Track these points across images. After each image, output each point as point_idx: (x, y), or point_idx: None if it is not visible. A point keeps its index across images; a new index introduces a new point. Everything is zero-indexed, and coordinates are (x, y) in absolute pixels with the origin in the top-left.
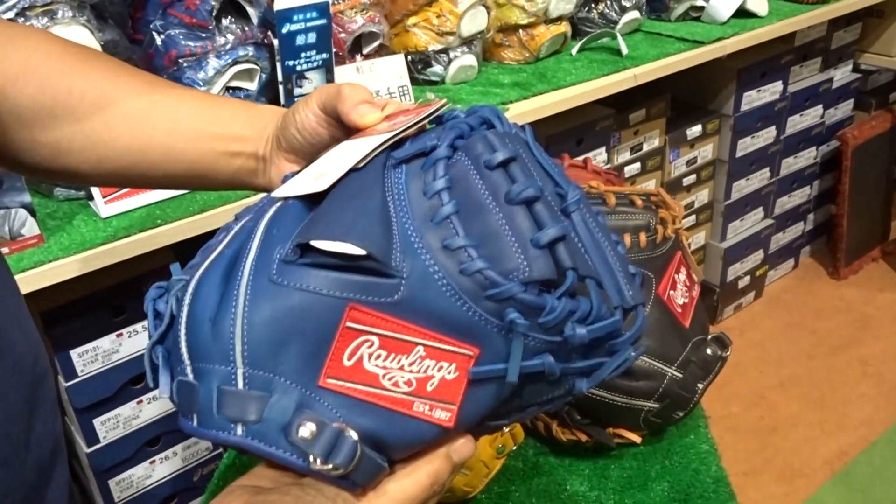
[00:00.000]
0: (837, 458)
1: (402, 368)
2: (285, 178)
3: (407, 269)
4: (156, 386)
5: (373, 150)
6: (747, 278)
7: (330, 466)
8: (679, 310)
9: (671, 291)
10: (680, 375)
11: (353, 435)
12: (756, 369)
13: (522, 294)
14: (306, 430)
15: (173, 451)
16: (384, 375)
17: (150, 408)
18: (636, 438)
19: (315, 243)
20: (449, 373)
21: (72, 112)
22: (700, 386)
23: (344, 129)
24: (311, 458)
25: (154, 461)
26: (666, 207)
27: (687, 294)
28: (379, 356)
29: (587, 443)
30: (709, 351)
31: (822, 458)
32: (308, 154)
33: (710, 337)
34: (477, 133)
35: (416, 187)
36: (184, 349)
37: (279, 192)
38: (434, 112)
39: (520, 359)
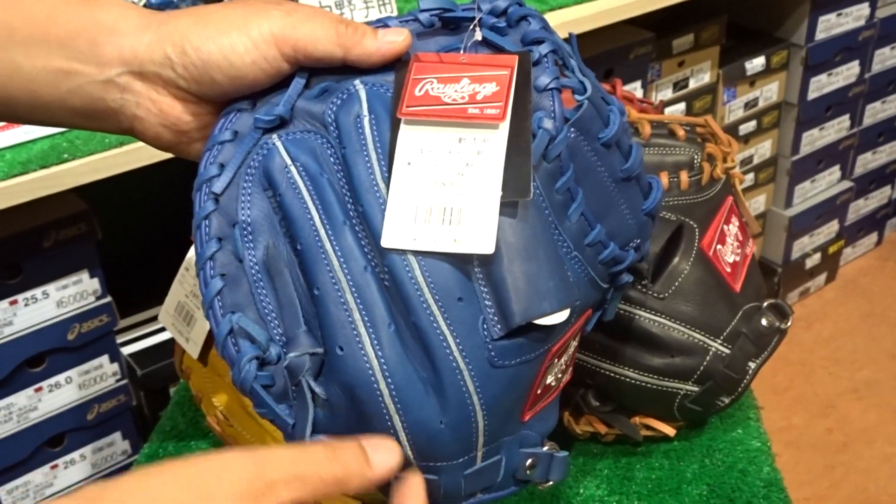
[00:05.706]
0: None
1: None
2: (224, 127)
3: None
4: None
5: (509, 166)
6: (817, 256)
7: (550, 483)
8: (728, 269)
9: (718, 246)
10: (727, 351)
11: (561, 453)
12: (825, 371)
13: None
14: (528, 467)
15: (80, 453)
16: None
17: (52, 399)
18: (669, 431)
19: (538, 322)
20: None
21: None
22: (752, 365)
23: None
24: (536, 484)
25: (56, 465)
26: (715, 141)
27: (739, 251)
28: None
29: (607, 436)
30: (764, 321)
31: None
32: (223, 100)
33: (766, 304)
34: (588, 102)
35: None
36: (408, 452)
37: (391, 243)
38: (511, 76)
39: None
